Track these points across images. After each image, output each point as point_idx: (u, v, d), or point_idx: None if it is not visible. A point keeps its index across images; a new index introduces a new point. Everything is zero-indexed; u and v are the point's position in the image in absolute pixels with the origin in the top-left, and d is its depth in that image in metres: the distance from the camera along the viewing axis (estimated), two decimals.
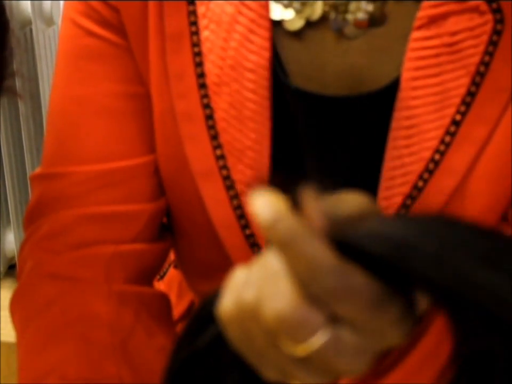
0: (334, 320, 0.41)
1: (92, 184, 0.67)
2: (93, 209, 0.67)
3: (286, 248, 0.41)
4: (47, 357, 0.60)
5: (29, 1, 1.58)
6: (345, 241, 0.41)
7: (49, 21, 1.62)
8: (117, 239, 0.67)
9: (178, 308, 0.85)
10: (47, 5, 1.60)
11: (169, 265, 0.88)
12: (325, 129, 0.66)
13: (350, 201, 0.43)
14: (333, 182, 0.65)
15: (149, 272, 0.69)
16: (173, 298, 0.85)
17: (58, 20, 1.58)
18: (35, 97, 1.67)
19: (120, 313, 0.62)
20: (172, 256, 0.87)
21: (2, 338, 0.65)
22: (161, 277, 0.88)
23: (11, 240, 1.87)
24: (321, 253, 0.40)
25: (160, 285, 0.86)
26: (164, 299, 0.70)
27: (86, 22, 0.67)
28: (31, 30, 1.62)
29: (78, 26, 0.68)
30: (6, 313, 0.72)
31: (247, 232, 0.67)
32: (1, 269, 1.90)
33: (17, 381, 0.65)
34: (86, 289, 0.64)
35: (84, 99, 0.68)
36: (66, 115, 0.69)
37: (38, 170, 0.71)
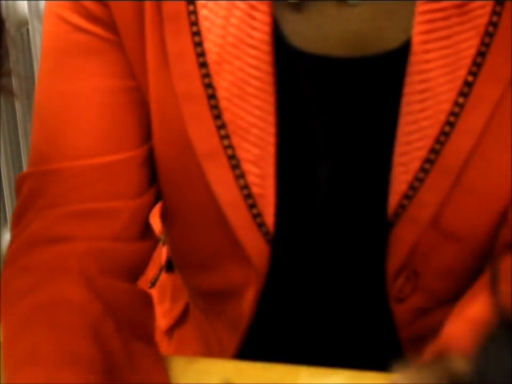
0: None
1: (75, 181, 0.66)
2: (76, 207, 0.66)
3: None
4: (21, 344, 0.59)
5: (26, 2, 1.57)
6: None
7: None
8: (96, 236, 0.66)
9: (173, 313, 0.84)
10: (43, 5, 1.60)
11: (161, 271, 0.87)
12: (334, 94, 0.65)
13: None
14: (345, 149, 0.66)
15: (129, 271, 0.67)
16: (167, 303, 0.84)
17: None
18: (32, 97, 1.66)
19: (93, 301, 0.61)
20: (162, 261, 0.86)
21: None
22: (153, 284, 0.86)
23: (8, 240, 1.86)
24: None
25: (152, 292, 0.85)
26: (143, 296, 0.69)
27: (74, 17, 0.66)
28: (27, 30, 1.61)
29: (65, 22, 0.66)
30: None
31: (254, 211, 0.66)
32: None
33: None
34: (59, 278, 0.63)
35: (71, 95, 0.67)
36: (54, 112, 0.68)
37: (25, 171, 0.70)
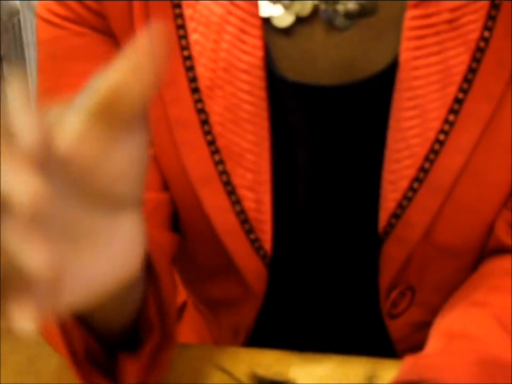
0: None
1: None
2: None
3: None
4: None
5: None
6: None
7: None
8: None
9: None
10: None
11: None
12: (324, 120, 0.64)
13: None
14: (335, 172, 0.66)
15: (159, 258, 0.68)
16: None
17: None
18: (23, 83, 1.67)
19: None
20: None
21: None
22: None
23: None
24: None
25: None
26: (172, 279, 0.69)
27: (71, 25, 0.65)
28: (19, 20, 1.61)
29: (61, 28, 0.66)
30: None
31: (252, 236, 0.66)
32: None
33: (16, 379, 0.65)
34: None
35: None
36: None
37: None
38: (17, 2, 1.58)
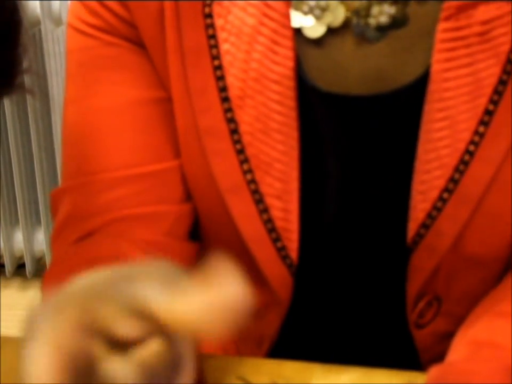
0: None
1: (119, 191, 0.66)
2: (121, 213, 0.66)
3: None
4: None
5: (38, 1, 1.58)
6: None
7: (58, 21, 1.62)
8: (143, 235, 0.66)
9: None
10: (55, 5, 1.61)
11: None
12: (353, 131, 0.65)
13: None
14: (365, 183, 0.66)
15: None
16: None
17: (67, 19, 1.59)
18: (44, 95, 1.68)
19: None
20: None
21: (2, 332, 0.65)
22: None
23: (19, 240, 1.87)
24: None
25: None
26: None
27: (102, 34, 0.66)
28: (39, 30, 1.62)
29: (93, 38, 0.67)
30: (14, 312, 0.71)
31: (279, 245, 0.67)
32: (10, 268, 1.90)
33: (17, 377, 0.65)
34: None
35: (107, 109, 0.67)
36: (88, 127, 0.68)
37: (60, 186, 0.70)
38: (38, 12, 1.59)
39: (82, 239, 0.67)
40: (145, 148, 0.67)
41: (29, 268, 1.87)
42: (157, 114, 0.67)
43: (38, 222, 1.87)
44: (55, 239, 0.69)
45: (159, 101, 0.67)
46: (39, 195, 1.81)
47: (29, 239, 1.85)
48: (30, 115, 1.70)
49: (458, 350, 0.58)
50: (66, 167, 0.70)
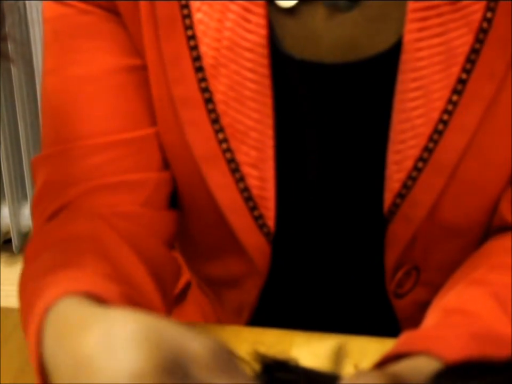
0: None
1: (97, 158, 0.67)
2: (99, 181, 0.68)
3: None
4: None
5: None
6: None
7: None
8: (122, 203, 0.68)
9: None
10: None
11: None
12: (328, 98, 0.66)
13: None
14: (340, 151, 0.68)
15: (157, 236, 0.69)
16: None
17: None
18: (28, 64, 1.68)
19: (123, 246, 0.62)
20: None
21: None
22: None
23: (6, 215, 1.88)
24: None
25: None
26: (171, 260, 0.70)
27: (77, 2, 0.67)
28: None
29: (68, 6, 0.68)
30: (2, 287, 0.72)
31: (256, 213, 0.68)
32: None
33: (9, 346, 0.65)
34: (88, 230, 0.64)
35: (84, 77, 0.68)
36: (66, 96, 0.69)
37: (39, 154, 0.71)
38: None
39: (61, 209, 0.68)
40: (122, 115, 0.68)
41: (15, 243, 1.88)
42: (133, 82, 0.68)
43: (25, 197, 1.88)
44: (35, 208, 0.70)
45: (135, 69, 0.68)
46: (25, 170, 1.81)
47: (15, 214, 1.86)
48: (14, 80, 1.70)
49: (430, 317, 0.59)
50: (46, 135, 0.71)
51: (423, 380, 0.46)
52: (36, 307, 0.51)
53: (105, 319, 0.43)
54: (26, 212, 1.88)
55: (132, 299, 0.54)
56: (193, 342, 0.40)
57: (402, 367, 0.48)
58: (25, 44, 1.64)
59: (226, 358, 0.41)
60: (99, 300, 0.50)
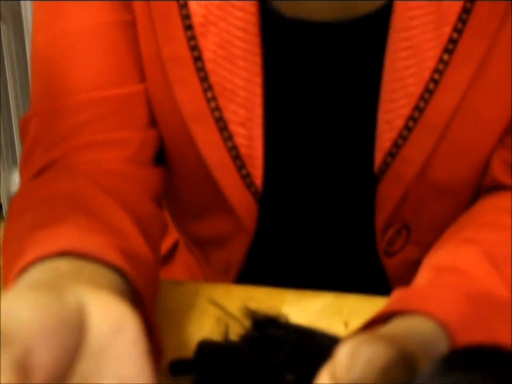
0: None
1: (85, 114, 0.67)
2: (86, 139, 0.68)
3: None
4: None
5: None
6: None
7: None
8: (109, 160, 0.68)
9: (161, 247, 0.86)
10: None
11: None
12: (318, 57, 0.66)
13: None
14: (331, 110, 0.68)
15: (144, 191, 0.69)
16: None
17: None
18: (17, 20, 1.67)
19: (112, 202, 0.62)
20: None
21: None
22: None
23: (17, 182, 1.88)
24: None
25: None
26: (158, 216, 0.70)
27: None
28: None
29: None
30: None
31: (243, 172, 0.69)
32: None
33: None
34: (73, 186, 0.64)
35: (74, 32, 0.68)
36: (56, 51, 0.69)
37: (27, 112, 0.71)
38: None
39: (47, 167, 0.68)
40: (111, 70, 0.68)
41: (6, 209, 1.88)
42: (123, 38, 0.68)
43: (15, 163, 1.87)
44: (22, 166, 0.70)
45: (125, 25, 0.68)
46: (15, 135, 1.81)
47: (5, 180, 1.86)
48: (3, 43, 1.69)
49: (422, 276, 0.59)
50: (35, 92, 0.71)
51: (419, 343, 0.46)
52: (13, 268, 0.51)
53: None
54: (16, 178, 1.88)
55: (124, 251, 0.54)
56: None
57: (397, 328, 0.49)
58: (17, 23, 1.63)
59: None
60: (80, 254, 0.50)
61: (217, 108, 0.67)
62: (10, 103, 1.76)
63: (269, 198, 0.71)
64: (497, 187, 0.68)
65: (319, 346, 0.61)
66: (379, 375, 0.42)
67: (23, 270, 0.50)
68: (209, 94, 0.66)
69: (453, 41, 0.63)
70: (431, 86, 0.64)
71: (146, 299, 0.53)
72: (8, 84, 1.73)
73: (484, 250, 0.58)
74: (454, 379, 0.40)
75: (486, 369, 0.39)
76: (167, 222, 0.73)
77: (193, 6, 0.65)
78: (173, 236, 0.85)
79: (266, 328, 0.62)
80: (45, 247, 0.51)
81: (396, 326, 0.50)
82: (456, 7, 0.62)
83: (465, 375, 0.40)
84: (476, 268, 0.57)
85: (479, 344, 0.41)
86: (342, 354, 0.43)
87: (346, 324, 0.64)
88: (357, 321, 0.61)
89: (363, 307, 0.65)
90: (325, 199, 0.72)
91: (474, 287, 0.55)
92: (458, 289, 0.54)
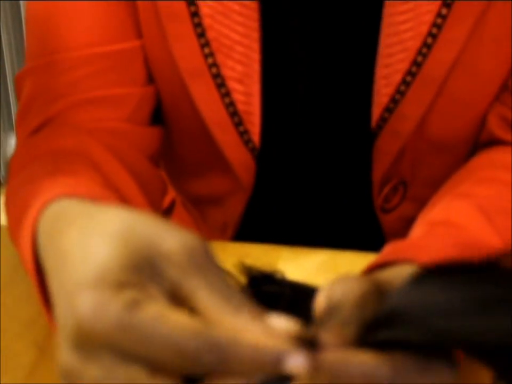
0: None
1: (81, 70, 0.67)
2: (83, 95, 0.68)
3: None
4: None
5: None
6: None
7: None
8: (106, 119, 0.68)
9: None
10: None
11: None
12: (316, 11, 0.66)
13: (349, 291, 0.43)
14: (328, 66, 0.67)
15: (141, 151, 0.69)
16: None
17: None
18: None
19: (109, 157, 0.62)
20: None
21: None
22: None
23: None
24: None
25: None
26: (156, 175, 0.71)
27: None
28: None
29: None
30: None
31: (240, 129, 0.69)
32: None
33: None
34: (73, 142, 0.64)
35: None
36: (51, 6, 0.68)
37: (22, 69, 0.71)
38: None
39: (45, 124, 0.68)
40: (107, 26, 0.68)
41: (2, 173, 1.88)
42: None
43: (11, 126, 1.87)
44: (18, 123, 0.70)
45: None
46: (11, 98, 1.80)
47: (1, 144, 1.86)
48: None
49: (416, 230, 0.60)
50: (30, 48, 0.71)
51: (399, 283, 0.46)
52: (31, 208, 0.50)
53: (88, 214, 0.43)
54: (12, 142, 1.87)
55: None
56: (169, 238, 0.40)
57: (386, 274, 0.49)
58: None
59: (203, 257, 0.40)
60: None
61: (215, 64, 0.67)
62: (7, 69, 1.75)
63: (266, 155, 0.71)
64: (493, 142, 0.69)
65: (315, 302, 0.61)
66: (354, 306, 0.42)
67: (46, 205, 0.49)
68: (206, 50, 0.66)
69: None
70: (429, 40, 0.64)
71: None
72: (5, 55, 1.72)
73: (477, 204, 0.58)
74: (425, 289, 0.41)
75: (455, 277, 0.40)
76: (165, 182, 0.73)
77: None
78: (170, 195, 0.85)
79: (262, 284, 0.62)
80: (65, 190, 0.49)
81: (384, 273, 0.50)
82: None
83: (436, 284, 0.40)
84: (468, 220, 0.57)
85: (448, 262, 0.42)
86: (319, 297, 0.44)
87: None
88: None
89: (359, 264, 0.64)
90: (322, 155, 0.72)
91: (465, 238, 0.55)
92: (450, 238, 0.54)
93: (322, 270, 0.65)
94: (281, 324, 0.38)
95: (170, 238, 0.40)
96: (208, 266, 0.40)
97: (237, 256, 0.66)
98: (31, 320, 0.60)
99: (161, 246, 0.39)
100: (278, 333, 0.38)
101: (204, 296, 0.38)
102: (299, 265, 0.66)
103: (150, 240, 0.40)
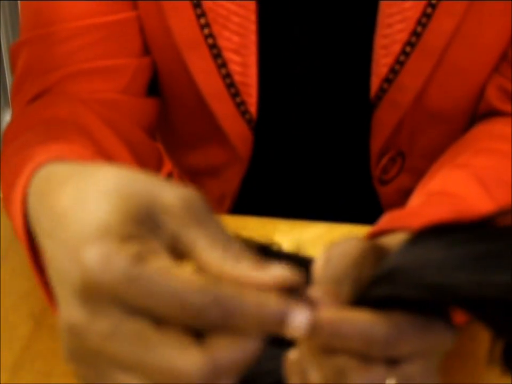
0: None
1: (76, 41, 0.67)
2: (79, 66, 0.67)
3: None
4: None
5: None
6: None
7: None
8: (103, 90, 0.68)
9: None
10: None
11: None
12: None
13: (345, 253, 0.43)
14: (326, 37, 0.67)
15: (137, 122, 0.69)
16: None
17: None
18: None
19: (103, 126, 0.62)
20: None
21: None
22: None
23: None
24: None
25: None
26: (153, 146, 0.71)
27: None
28: None
29: None
30: None
31: (237, 100, 0.69)
32: None
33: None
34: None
35: None
36: None
37: (17, 40, 0.71)
38: None
39: (40, 94, 0.67)
40: None
41: None
42: None
43: (6, 103, 1.86)
44: (14, 95, 0.70)
45: None
46: (7, 76, 1.80)
47: None
48: None
49: (413, 201, 0.60)
50: (25, 19, 0.71)
51: (394, 247, 0.47)
52: (22, 174, 0.50)
53: (82, 173, 0.43)
54: (7, 118, 1.87)
55: None
56: (166, 192, 0.40)
57: (382, 241, 0.49)
58: None
59: (200, 209, 0.40)
60: None
61: (211, 35, 0.66)
62: (2, 46, 1.74)
63: (263, 126, 0.71)
64: (492, 113, 0.69)
65: (312, 274, 0.61)
66: (350, 265, 0.42)
67: (37, 168, 0.48)
68: (202, 21, 0.66)
69: None
70: (429, 10, 0.64)
71: None
72: (1, 34, 1.71)
73: (474, 173, 0.58)
74: (421, 249, 0.41)
75: (451, 236, 0.41)
76: (162, 154, 0.73)
77: None
78: (166, 168, 0.85)
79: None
80: (58, 154, 0.50)
81: (380, 240, 0.50)
82: None
83: (432, 243, 0.41)
84: (465, 190, 0.57)
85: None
86: (318, 260, 0.44)
87: None
88: None
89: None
90: (320, 126, 0.72)
91: (462, 206, 0.55)
92: (445, 207, 0.54)
93: (319, 243, 0.65)
94: (281, 273, 0.38)
95: (167, 191, 0.40)
96: (206, 218, 0.40)
97: (233, 228, 0.66)
98: (27, 292, 0.60)
99: (159, 199, 0.39)
100: (278, 284, 0.38)
101: (204, 246, 0.39)
102: (296, 237, 0.66)
103: (148, 194, 0.40)
